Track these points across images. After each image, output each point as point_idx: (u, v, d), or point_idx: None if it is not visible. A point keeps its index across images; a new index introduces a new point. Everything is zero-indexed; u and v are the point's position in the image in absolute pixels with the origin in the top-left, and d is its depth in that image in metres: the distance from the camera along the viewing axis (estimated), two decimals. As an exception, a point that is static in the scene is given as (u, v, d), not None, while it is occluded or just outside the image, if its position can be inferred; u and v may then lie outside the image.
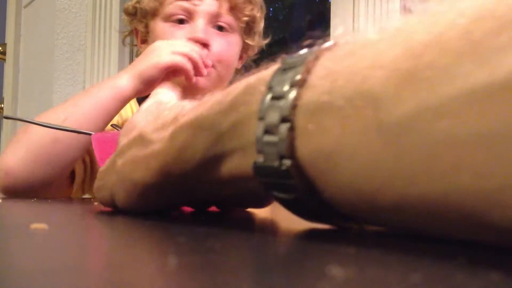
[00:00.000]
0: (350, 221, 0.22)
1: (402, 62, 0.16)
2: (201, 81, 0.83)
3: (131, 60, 1.72)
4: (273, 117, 0.20)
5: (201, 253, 0.17)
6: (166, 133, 0.27)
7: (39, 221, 0.24)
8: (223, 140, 0.23)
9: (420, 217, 0.16)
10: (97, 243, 0.21)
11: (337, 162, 0.18)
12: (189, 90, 0.84)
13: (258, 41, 0.96)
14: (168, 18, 0.88)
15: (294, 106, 0.19)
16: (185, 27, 0.88)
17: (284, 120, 0.19)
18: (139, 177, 0.29)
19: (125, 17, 0.96)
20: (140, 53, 1.00)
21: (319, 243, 0.21)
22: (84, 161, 0.82)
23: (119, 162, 0.31)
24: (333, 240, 0.22)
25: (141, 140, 0.29)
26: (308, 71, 0.19)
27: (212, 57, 0.85)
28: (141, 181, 0.29)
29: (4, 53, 1.90)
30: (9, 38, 1.86)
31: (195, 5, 0.86)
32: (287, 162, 0.19)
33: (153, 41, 0.89)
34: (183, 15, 0.87)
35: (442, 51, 0.15)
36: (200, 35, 0.84)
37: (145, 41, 0.95)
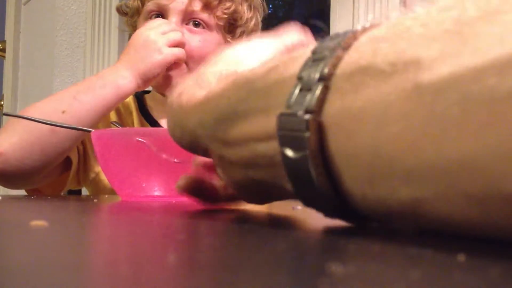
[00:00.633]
0: (350, 214, 0.20)
1: (450, 30, 0.16)
2: (174, 77, 0.85)
3: (131, 57, 1.72)
4: (312, 76, 0.19)
5: (201, 250, 0.17)
6: (214, 87, 0.27)
7: (39, 218, 0.24)
8: (250, 99, 0.23)
9: (439, 189, 0.16)
10: (96, 240, 0.21)
11: (363, 121, 0.17)
12: (164, 86, 0.86)
13: (245, 39, 0.97)
14: (147, 16, 0.89)
15: (334, 66, 0.19)
16: None
17: (322, 79, 0.19)
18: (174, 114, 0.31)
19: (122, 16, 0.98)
20: None
21: (318, 241, 0.21)
22: (78, 151, 0.83)
23: (177, 92, 0.31)
24: (332, 237, 0.22)
25: (198, 79, 0.30)
26: (354, 38, 0.19)
27: (186, 52, 0.86)
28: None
29: (3, 50, 1.90)
30: (9, 35, 1.86)
31: (168, 2, 0.87)
32: (310, 114, 0.19)
33: None
34: (158, 11, 0.88)
35: (491, 22, 0.15)
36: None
37: None
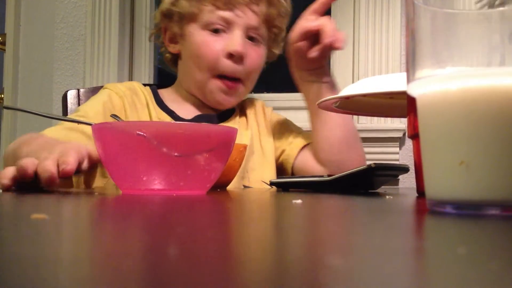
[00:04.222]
0: None
1: None
2: None
3: (131, 51, 1.72)
4: None
5: (201, 243, 0.17)
6: None
7: (39, 212, 0.24)
8: None
9: None
10: (96, 233, 0.21)
11: None
12: (227, 99, 0.94)
13: (280, 48, 1.01)
14: (205, 26, 0.91)
15: None
16: (222, 36, 0.91)
17: None
18: None
19: (157, 15, 0.98)
20: (164, 51, 1.02)
21: (318, 236, 0.21)
22: None
23: None
24: (335, 233, 0.22)
25: None
26: None
27: (245, 70, 0.90)
28: None
29: (4, 43, 1.89)
30: (9, 28, 1.85)
31: (237, 16, 0.90)
32: None
33: (189, 44, 0.92)
34: (221, 25, 0.91)
35: None
36: (239, 48, 0.89)
37: (176, 42, 0.98)
